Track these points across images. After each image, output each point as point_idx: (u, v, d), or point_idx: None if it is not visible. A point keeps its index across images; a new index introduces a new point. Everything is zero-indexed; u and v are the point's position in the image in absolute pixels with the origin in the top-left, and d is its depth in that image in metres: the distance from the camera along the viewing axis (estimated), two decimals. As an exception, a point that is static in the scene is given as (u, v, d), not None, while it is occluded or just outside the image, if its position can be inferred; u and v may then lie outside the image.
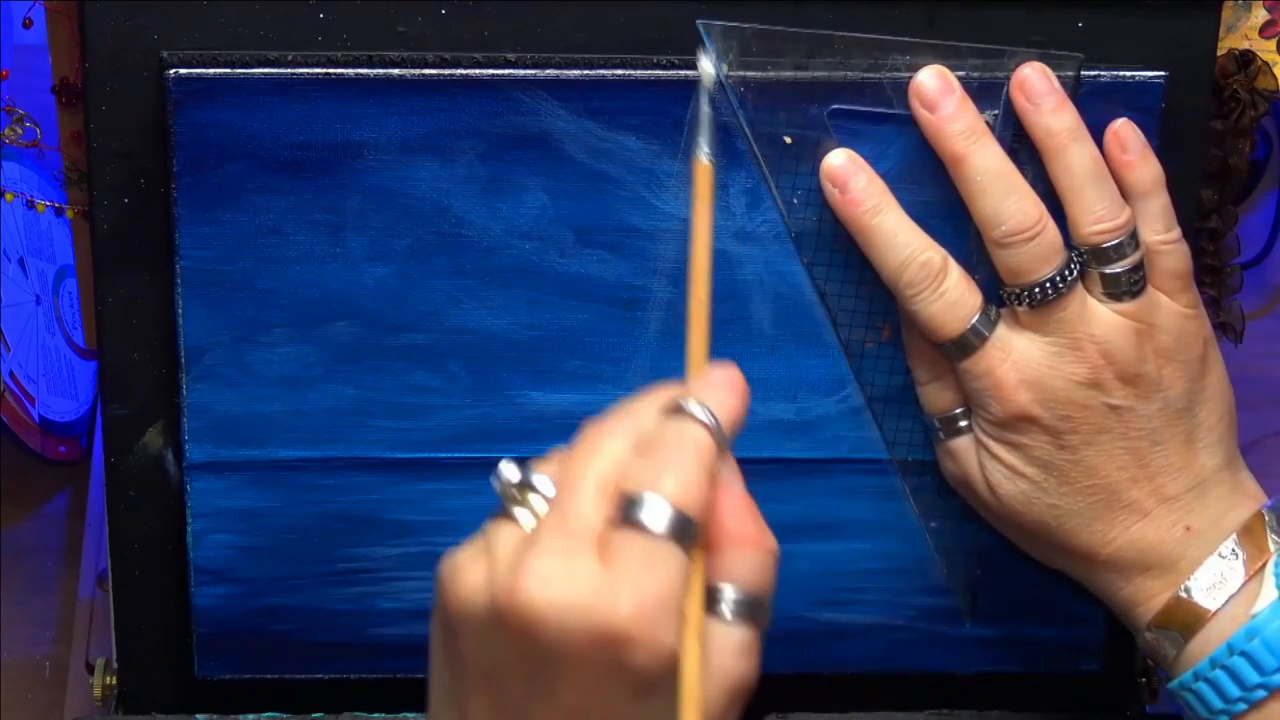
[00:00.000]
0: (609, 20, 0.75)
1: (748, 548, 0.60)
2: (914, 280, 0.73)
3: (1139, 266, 0.73)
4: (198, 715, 0.81)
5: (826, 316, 0.77)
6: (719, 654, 0.59)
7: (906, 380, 0.78)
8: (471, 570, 0.59)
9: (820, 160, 0.75)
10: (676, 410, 0.61)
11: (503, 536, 0.59)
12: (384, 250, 0.76)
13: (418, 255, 0.76)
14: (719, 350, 0.77)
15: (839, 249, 0.76)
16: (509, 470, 0.60)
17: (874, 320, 0.77)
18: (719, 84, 0.74)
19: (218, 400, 0.77)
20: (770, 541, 0.61)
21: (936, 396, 0.77)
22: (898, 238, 0.74)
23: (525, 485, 0.60)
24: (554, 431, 0.78)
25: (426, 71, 0.74)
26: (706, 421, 0.61)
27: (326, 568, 0.80)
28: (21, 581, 0.96)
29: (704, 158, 0.66)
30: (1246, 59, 0.79)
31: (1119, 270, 0.73)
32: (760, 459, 0.79)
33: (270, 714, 0.81)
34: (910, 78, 0.74)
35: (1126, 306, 0.73)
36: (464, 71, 0.74)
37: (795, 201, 0.76)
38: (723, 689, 0.59)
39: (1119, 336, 0.73)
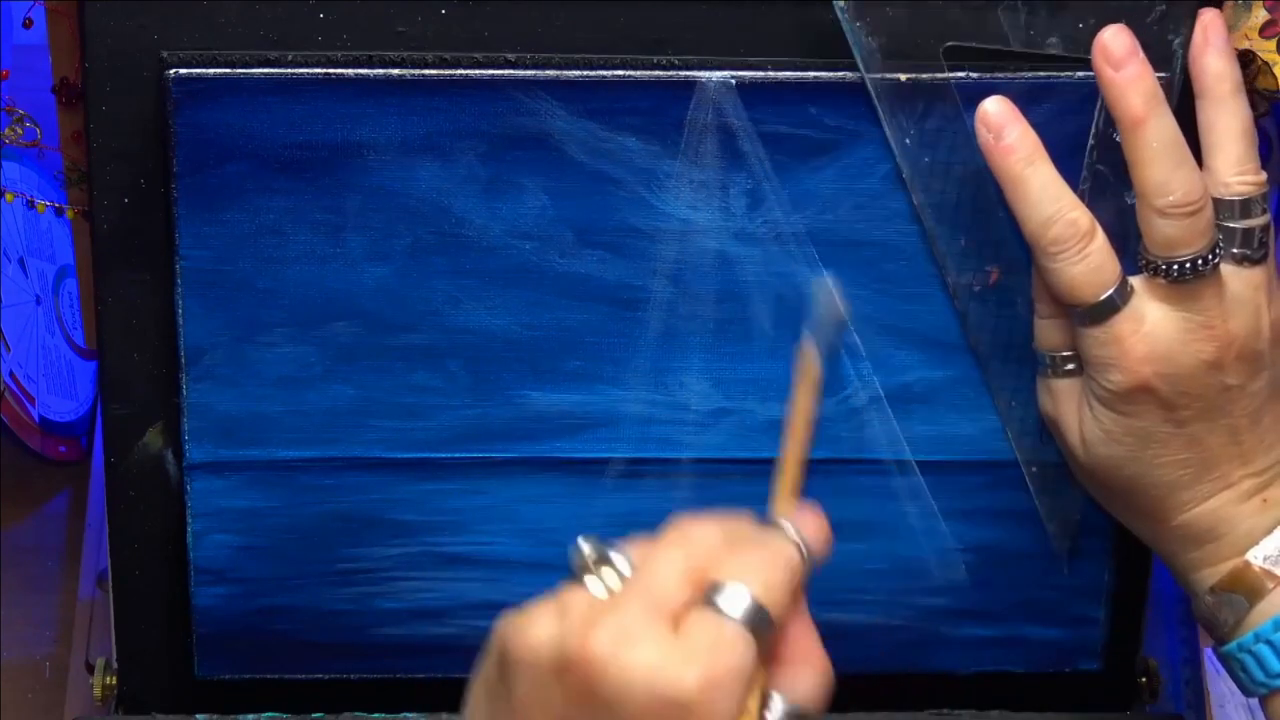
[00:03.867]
0: (609, 20, 0.75)
1: (807, 666, 0.62)
2: (1059, 238, 0.72)
3: (1268, 228, 0.73)
4: (198, 715, 0.81)
5: (934, 261, 0.77)
6: None
7: (1014, 323, 0.78)
8: (541, 622, 0.59)
9: (933, 99, 0.74)
10: (772, 526, 0.63)
11: (576, 598, 0.60)
12: (384, 250, 0.76)
13: (418, 255, 0.76)
14: (718, 349, 0.78)
15: (950, 191, 0.76)
16: (587, 545, 0.61)
17: (983, 264, 0.77)
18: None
19: (218, 400, 0.77)
20: (829, 669, 0.63)
21: (1053, 333, 0.76)
22: (1047, 191, 0.73)
23: (603, 560, 0.61)
24: (554, 431, 0.78)
25: (426, 71, 0.74)
26: (799, 543, 0.63)
27: (326, 568, 0.80)
28: (21, 581, 0.96)
29: (812, 348, 0.70)
30: (1246, 59, 0.79)
31: (1255, 224, 0.73)
32: (760, 459, 0.79)
33: (270, 714, 0.81)
34: (1026, 11, 0.73)
35: (1254, 273, 0.73)
36: (464, 71, 0.74)
37: (908, 142, 0.75)
38: None
39: (1249, 317, 0.73)
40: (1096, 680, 0.84)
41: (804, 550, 0.63)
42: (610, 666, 0.58)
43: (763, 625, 0.60)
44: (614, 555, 0.61)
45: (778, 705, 0.61)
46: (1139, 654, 0.84)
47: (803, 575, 0.63)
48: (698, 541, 0.61)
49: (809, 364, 0.70)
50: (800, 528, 0.64)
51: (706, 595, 0.60)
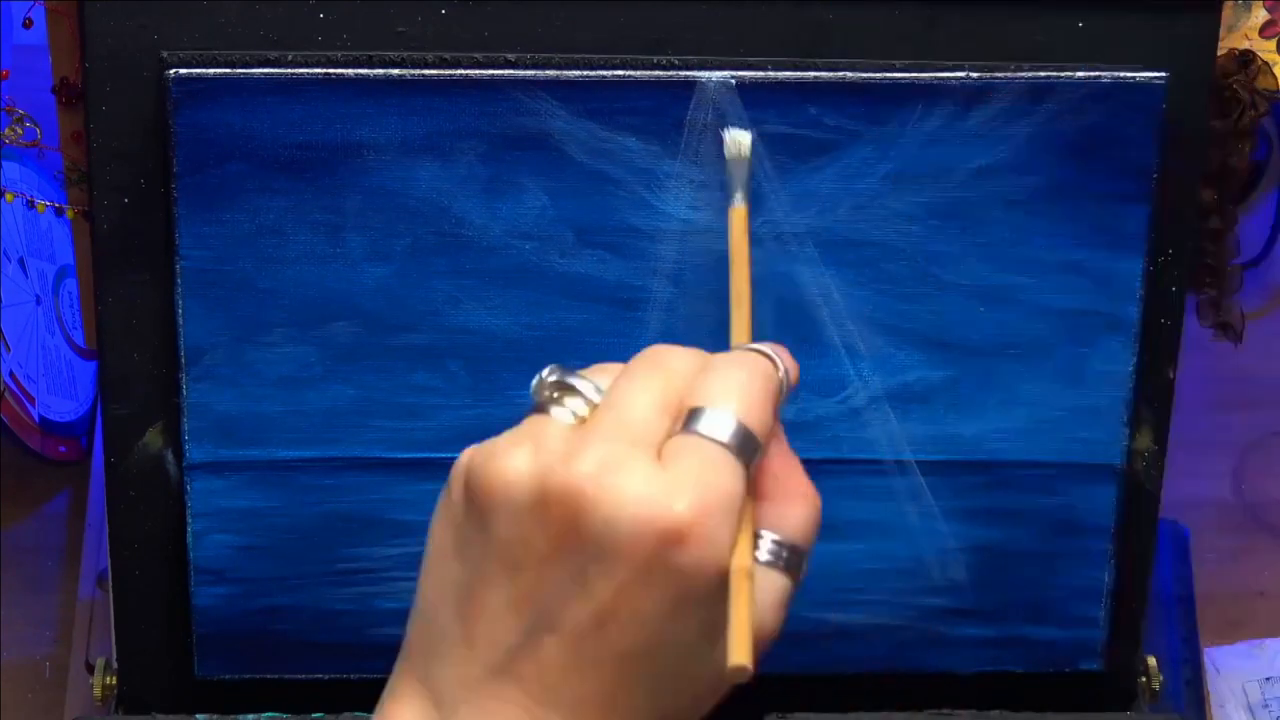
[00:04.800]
0: (609, 20, 0.75)
1: (795, 499, 0.59)
2: None
3: None
4: (198, 715, 0.81)
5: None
6: (757, 595, 0.56)
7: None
8: (514, 454, 0.56)
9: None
10: (742, 347, 0.60)
11: (548, 428, 0.56)
12: (384, 250, 0.76)
13: (418, 255, 0.76)
14: (718, 349, 0.78)
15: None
16: (551, 374, 0.58)
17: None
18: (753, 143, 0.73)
19: (218, 400, 0.77)
20: (816, 498, 0.59)
21: None
22: None
23: (567, 388, 0.58)
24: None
25: (426, 71, 0.74)
26: (773, 358, 0.59)
27: (326, 568, 0.80)
28: (21, 581, 0.96)
29: (739, 203, 0.68)
30: (1246, 59, 0.79)
31: None
32: (760, 459, 0.79)
33: (270, 714, 0.81)
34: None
35: None
36: (464, 71, 0.74)
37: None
38: (755, 631, 0.56)
39: None
40: (1096, 680, 0.84)
41: (778, 365, 0.60)
42: (597, 498, 0.54)
43: (749, 448, 0.56)
44: (580, 383, 0.58)
45: (771, 542, 0.58)
46: (1139, 654, 0.84)
47: (780, 393, 0.59)
48: (670, 367, 0.58)
49: (739, 217, 0.69)
50: (772, 349, 0.60)
51: (687, 422, 0.56)
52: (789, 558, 0.58)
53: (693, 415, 0.57)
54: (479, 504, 0.56)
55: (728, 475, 0.56)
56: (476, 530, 0.56)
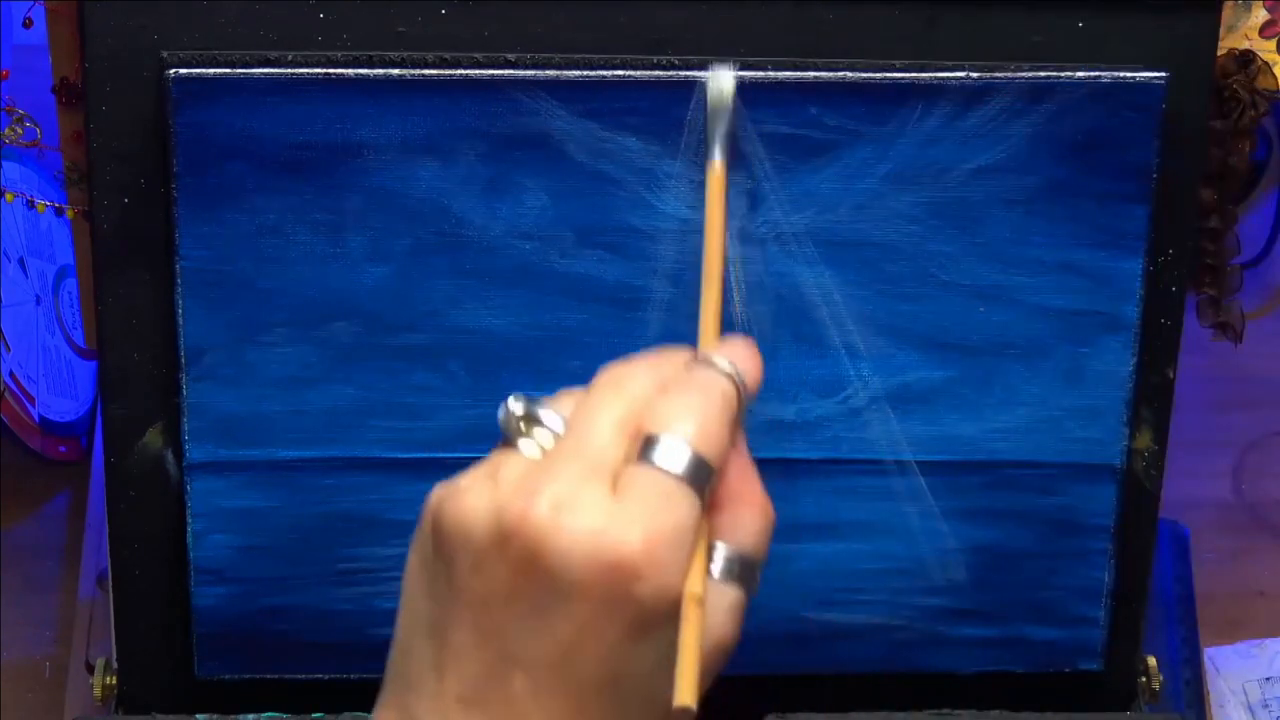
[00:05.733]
0: (609, 20, 0.75)
1: (749, 509, 0.60)
2: None
3: None
4: (198, 715, 0.81)
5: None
6: (710, 611, 0.58)
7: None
8: (474, 493, 0.57)
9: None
10: (702, 362, 0.60)
11: (509, 464, 0.58)
12: (384, 250, 0.76)
13: (418, 255, 0.76)
14: (719, 350, 0.78)
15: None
16: (516, 405, 0.59)
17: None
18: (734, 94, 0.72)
19: (218, 400, 0.77)
20: (770, 508, 0.60)
21: None
22: None
23: (532, 419, 0.59)
24: (554, 431, 0.78)
25: (426, 71, 0.74)
26: (733, 375, 0.60)
27: (326, 568, 0.80)
28: (21, 581, 0.96)
29: (717, 161, 0.66)
30: (1246, 59, 0.79)
31: None
32: (760, 459, 0.79)
33: (270, 714, 0.81)
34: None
35: None
36: (464, 71, 0.74)
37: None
38: (709, 646, 0.58)
39: None
40: (1096, 680, 0.84)
41: (738, 382, 0.60)
42: (551, 534, 0.55)
43: (703, 476, 0.58)
44: (544, 414, 0.59)
45: (723, 555, 0.59)
46: (1139, 654, 0.84)
47: (739, 409, 0.60)
48: (630, 390, 0.59)
49: (716, 177, 0.66)
50: (732, 359, 0.61)
51: (643, 451, 0.57)
52: (741, 571, 0.59)
53: (648, 443, 0.58)
54: (443, 543, 0.58)
55: (680, 505, 0.57)
56: (443, 568, 0.58)
